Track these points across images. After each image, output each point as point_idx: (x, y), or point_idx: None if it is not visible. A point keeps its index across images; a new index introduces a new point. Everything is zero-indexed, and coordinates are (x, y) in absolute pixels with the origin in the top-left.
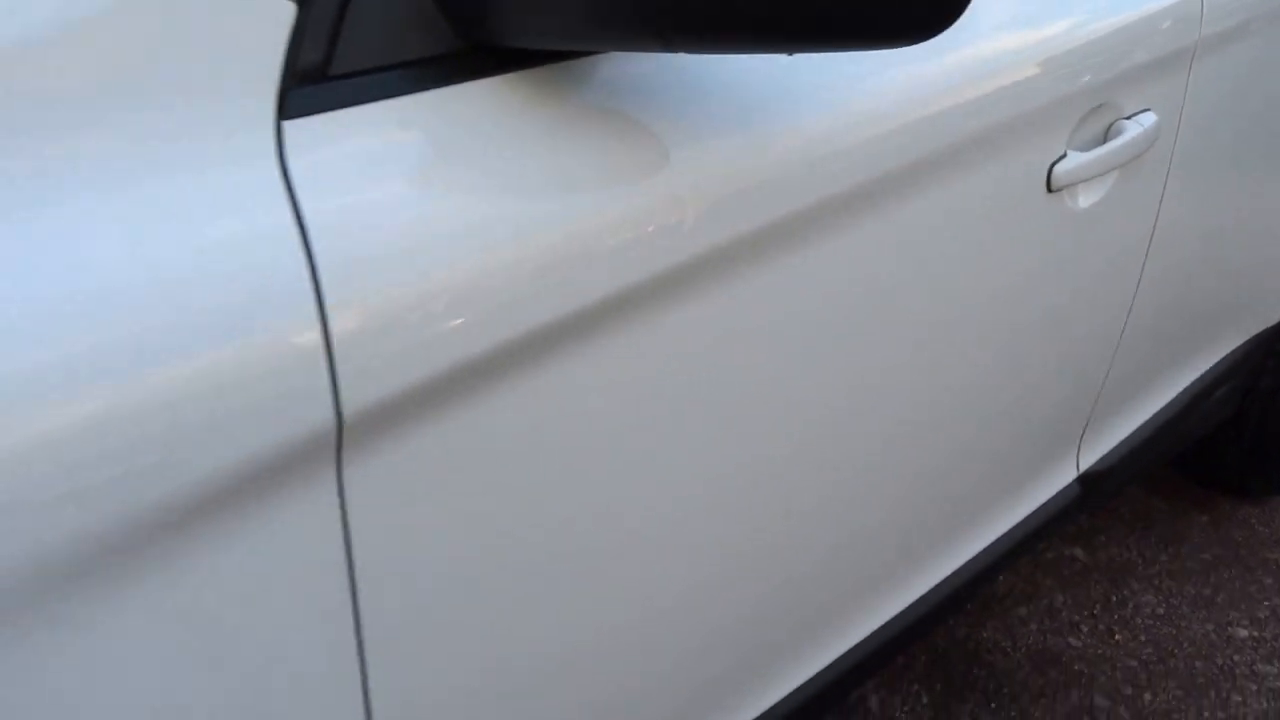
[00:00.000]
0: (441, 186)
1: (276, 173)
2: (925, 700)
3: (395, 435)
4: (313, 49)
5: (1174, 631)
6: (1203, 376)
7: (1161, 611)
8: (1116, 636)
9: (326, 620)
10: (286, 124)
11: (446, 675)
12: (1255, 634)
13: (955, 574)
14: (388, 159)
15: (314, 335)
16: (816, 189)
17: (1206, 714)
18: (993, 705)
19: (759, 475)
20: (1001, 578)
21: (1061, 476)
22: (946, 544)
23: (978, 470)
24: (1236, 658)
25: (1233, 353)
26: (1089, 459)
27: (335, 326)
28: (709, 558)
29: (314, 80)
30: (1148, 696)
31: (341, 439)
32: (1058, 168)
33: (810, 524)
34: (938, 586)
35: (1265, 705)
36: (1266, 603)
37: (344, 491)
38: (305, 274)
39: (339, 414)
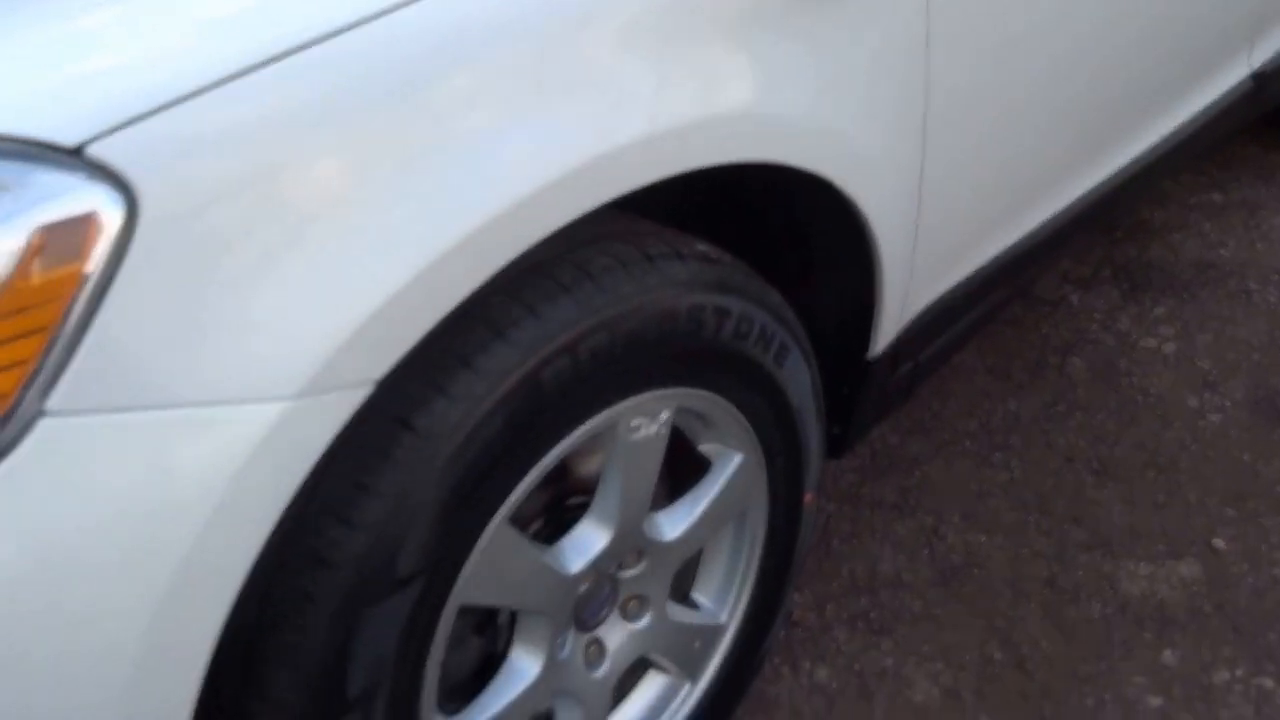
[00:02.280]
0: None
1: None
2: (1116, 293)
3: None
4: None
5: None
6: None
7: None
8: (1257, 246)
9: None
10: None
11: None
12: None
13: (1173, 133)
14: None
15: None
16: None
17: None
18: (1167, 292)
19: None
20: (1156, 214)
21: (1239, 71)
22: (1171, 107)
23: (1186, 57)
24: None
25: None
26: (1258, 60)
27: None
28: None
29: None
30: None
31: None
32: None
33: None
34: (1157, 144)
35: None
36: None
37: None
38: None
39: None
